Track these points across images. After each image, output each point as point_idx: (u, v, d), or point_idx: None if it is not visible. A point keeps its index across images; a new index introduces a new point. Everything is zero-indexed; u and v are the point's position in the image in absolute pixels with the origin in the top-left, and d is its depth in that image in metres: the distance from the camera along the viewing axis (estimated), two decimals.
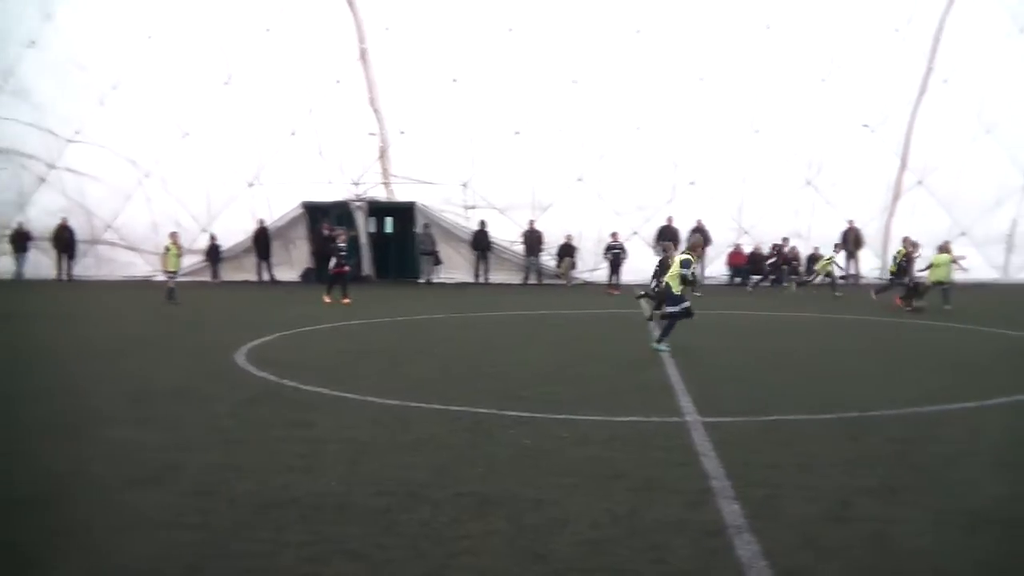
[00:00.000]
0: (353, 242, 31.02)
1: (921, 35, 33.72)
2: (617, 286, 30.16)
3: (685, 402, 10.86)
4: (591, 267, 33.58)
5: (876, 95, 33.71)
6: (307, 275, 34.04)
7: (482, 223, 32.87)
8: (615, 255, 31.20)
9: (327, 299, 24.50)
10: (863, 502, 6.91)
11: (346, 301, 24.05)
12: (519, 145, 32.81)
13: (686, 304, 15.36)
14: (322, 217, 32.70)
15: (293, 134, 33.77)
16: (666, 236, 32.71)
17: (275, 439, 8.97)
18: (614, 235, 31.80)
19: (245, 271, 34.78)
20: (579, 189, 33.46)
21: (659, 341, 15.25)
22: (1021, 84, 33.90)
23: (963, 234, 34.76)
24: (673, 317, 15.32)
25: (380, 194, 33.73)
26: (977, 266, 34.65)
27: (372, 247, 34.21)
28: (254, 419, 10.03)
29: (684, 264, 15.11)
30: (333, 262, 25.43)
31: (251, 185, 34.13)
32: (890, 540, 6.12)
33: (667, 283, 15.52)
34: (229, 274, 34.57)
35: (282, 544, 5.97)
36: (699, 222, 32.35)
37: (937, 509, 6.76)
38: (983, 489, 7.29)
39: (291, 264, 34.98)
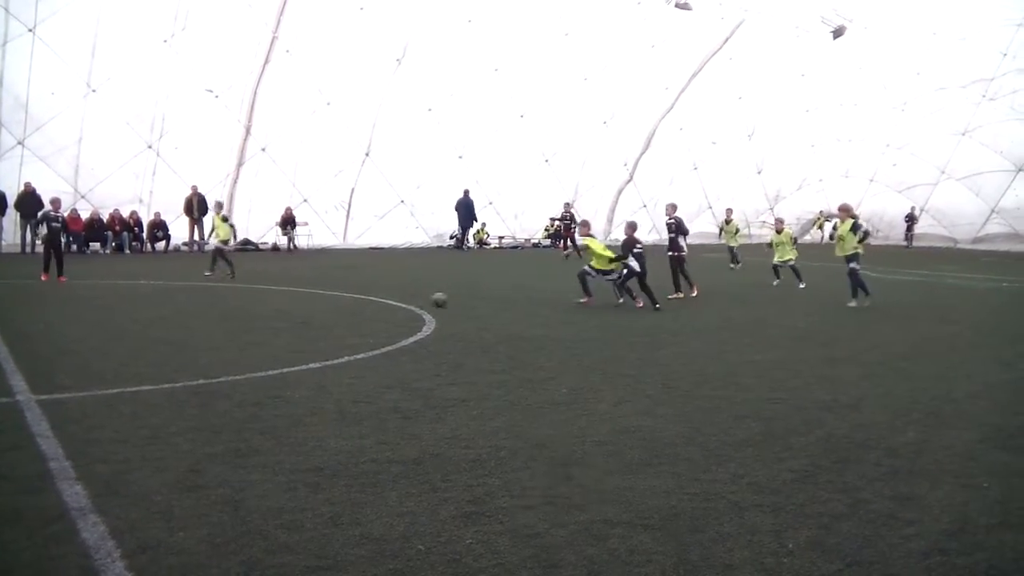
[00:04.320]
0: None
1: (267, 3, 34.39)
2: None
3: (16, 380, 10.00)
4: None
5: (221, 60, 33.79)
6: None
7: None
8: None
9: None
10: (215, 468, 6.88)
11: None
12: None
13: None
14: None
15: None
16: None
17: None
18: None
19: None
20: None
21: None
22: (359, 60, 36.24)
23: (305, 201, 36.68)
24: None
25: None
26: (318, 232, 36.90)
27: None
28: None
29: None
30: None
31: None
32: (243, 503, 6.15)
33: None
34: None
35: None
36: (28, 184, 30.11)
37: (287, 468, 6.94)
38: (328, 445, 7.63)
39: None
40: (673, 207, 20.75)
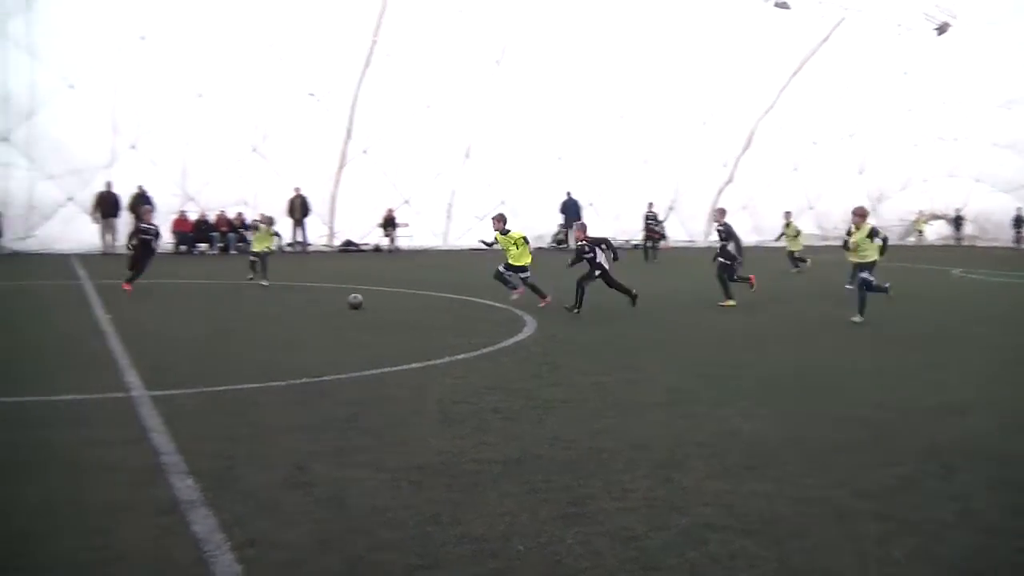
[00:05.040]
0: None
1: (367, 7, 34.86)
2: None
3: (131, 376, 10.31)
4: (21, 235, 30.84)
5: (322, 65, 34.40)
6: None
7: None
8: None
9: None
10: (319, 466, 7.00)
11: None
12: None
13: None
14: None
15: None
16: (105, 202, 31.24)
17: None
18: None
19: None
20: (4, 151, 30.42)
21: None
22: (458, 62, 36.53)
23: (406, 202, 37.15)
24: None
25: None
26: (418, 233, 37.36)
27: None
28: None
29: None
30: None
31: None
32: (346, 500, 6.25)
33: None
34: None
35: None
36: (140, 187, 31.10)
37: (389, 467, 7.02)
38: (430, 444, 7.70)
39: None
40: (722, 212, 19.68)
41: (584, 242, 17.64)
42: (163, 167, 32.60)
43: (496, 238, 18.84)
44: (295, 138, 34.50)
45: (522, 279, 18.29)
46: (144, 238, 19.88)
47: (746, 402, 9.46)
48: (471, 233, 36.86)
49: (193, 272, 25.07)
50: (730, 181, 44.50)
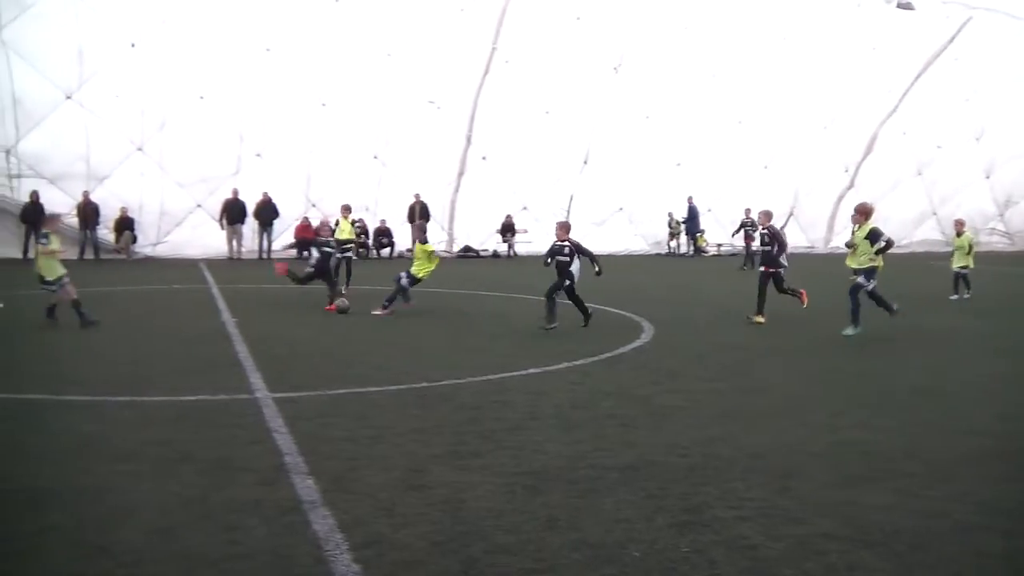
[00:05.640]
0: None
1: (485, 16, 35.24)
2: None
3: (255, 378, 10.61)
4: (153, 241, 32.02)
5: (442, 73, 34.84)
6: None
7: (35, 194, 29.91)
8: None
9: None
10: (436, 469, 7.08)
11: None
12: (71, 111, 30.38)
13: None
14: None
15: None
16: (232, 209, 32.18)
17: None
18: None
19: None
20: (139, 159, 31.64)
21: None
22: (576, 69, 36.63)
23: (525, 208, 37.31)
24: None
25: None
26: (537, 238, 37.46)
27: None
28: None
29: None
30: None
31: None
32: (463, 503, 6.30)
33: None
34: None
35: None
36: (265, 194, 31.95)
37: (506, 471, 7.06)
38: (546, 449, 7.71)
39: None
40: (768, 215, 17.93)
41: (567, 243, 16.03)
42: (287, 174, 33.43)
43: (416, 247, 18.29)
44: (415, 145, 34.95)
45: (404, 285, 17.49)
46: (325, 250, 19.38)
47: (865, 412, 9.23)
48: (589, 239, 36.82)
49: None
50: (851, 187, 43.43)
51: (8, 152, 29.99)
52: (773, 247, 16.81)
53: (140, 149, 31.49)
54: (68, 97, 30.18)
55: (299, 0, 32.56)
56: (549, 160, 37.23)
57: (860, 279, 14.70)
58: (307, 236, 33.39)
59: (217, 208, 32.49)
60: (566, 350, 12.85)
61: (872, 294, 14.75)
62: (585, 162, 38.13)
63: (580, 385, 10.56)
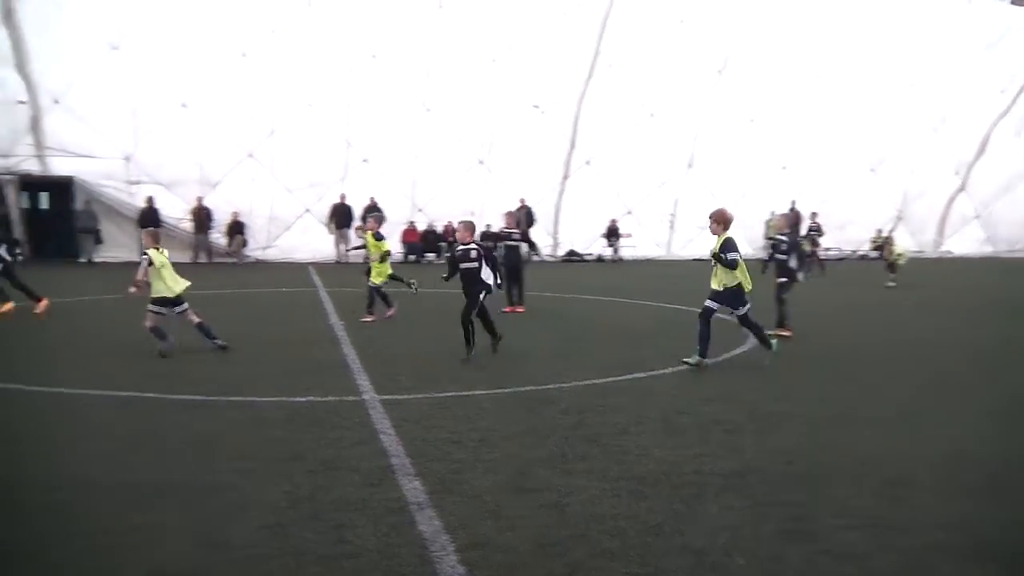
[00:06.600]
0: (3, 220, 28.03)
1: (589, 20, 35.27)
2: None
3: (362, 380, 10.78)
4: (263, 245, 32.80)
5: (546, 77, 34.99)
6: None
7: (150, 199, 30.93)
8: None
9: None
10: (541, 472, 7.10)
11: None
12: (185, 118, 31.31)
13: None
14: None
15: None
16: (339, 213, 32.75)
17: None
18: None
19: None
20: (249, 165, 32.46)
21: None
22: (680, 72, 36.43)
23: (629, 212, 37.21)
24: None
25: (34, 167, 31.02)
26: (642, 243, 37.36)
27: (26, 224, 31.38)
28: None
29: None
30: None
31: None
32: (567, 507, 6.31)
33: None
34: None
35: None
36: (372, 200, 32.47)
37: (611, 476, 7.05)
38: (651, 454, 7.68)
39: None
40: (788, 219, 16.43)
41: (473, 246, 13.18)
42: (393, 179, 33.89)
43: (367, 242, 17.65)
44: (520, 150, 35.17)
45: (375, 288, 16.95)
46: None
47: (981, 422, 8.96)
48: (693, 243, 36.51)
49: (421, 280, 25.78)
50: (962, 189, 42.27)
51: (127, 159, 31.03)
52: (790, 257, 15.59)
53: (251, 155, 32.31)
54: (183, 105, 31.09)
55: (404, 7, 33.07)
56: (653, 164, 37.10)
57: (709, 303, 12.10)
58: (413, 240, 33.97)
59: (325, 213, 33.15)
60: (671, 355, 12.74)
61: (744, 320, 12.20)
62: (689, 165, 37.85)
63: (685, 390, 10.48)
